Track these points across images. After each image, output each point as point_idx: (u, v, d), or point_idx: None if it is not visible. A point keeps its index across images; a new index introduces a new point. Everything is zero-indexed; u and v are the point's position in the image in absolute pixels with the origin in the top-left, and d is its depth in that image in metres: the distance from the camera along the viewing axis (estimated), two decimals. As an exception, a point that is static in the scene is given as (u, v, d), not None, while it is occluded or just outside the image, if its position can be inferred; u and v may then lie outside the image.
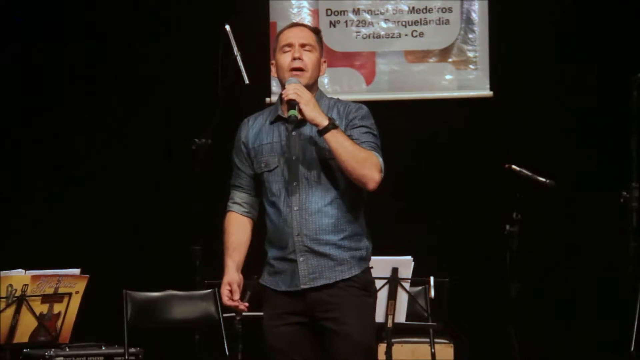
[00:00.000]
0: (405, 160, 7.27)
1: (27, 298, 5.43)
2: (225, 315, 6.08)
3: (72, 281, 5.58)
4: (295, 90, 3.96)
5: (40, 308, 5.49)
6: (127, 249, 7.55)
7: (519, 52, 7.50)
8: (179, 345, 6.75)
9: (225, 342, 6.16)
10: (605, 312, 7.13)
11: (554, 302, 7.40)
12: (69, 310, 5.58)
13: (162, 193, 7.57)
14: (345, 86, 7.69)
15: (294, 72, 4.05)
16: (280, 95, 4.05)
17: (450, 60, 7.71)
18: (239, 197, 4.16)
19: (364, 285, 4.03)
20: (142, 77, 7.65)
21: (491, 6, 7.61)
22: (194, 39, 7.48)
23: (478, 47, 7.66)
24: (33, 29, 7.66)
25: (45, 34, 7.64)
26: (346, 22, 7.77)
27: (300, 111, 3.94)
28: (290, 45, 4.09)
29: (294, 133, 4.05)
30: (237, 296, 4.05)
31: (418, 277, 5.82)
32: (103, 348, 5.90)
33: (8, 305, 5.41)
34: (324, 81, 7.58)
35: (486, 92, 7.63)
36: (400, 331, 6.06)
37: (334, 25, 7.69)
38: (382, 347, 5.77)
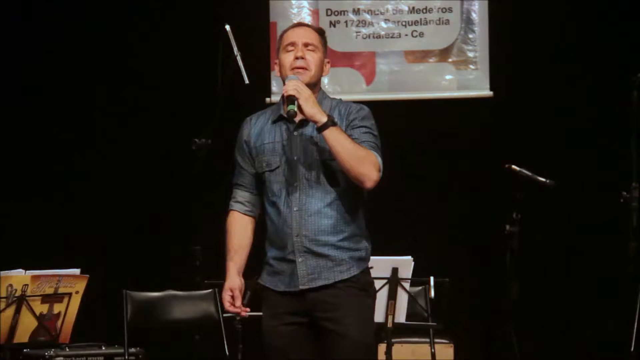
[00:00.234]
0: (405, 160, 7.27)
1: (27, 298, 5.43)
2: (225, 315, 6.08)
3: (72, 281, 5.58)
4: (295, 86, 3.97)
5: (40, 308, 5.50)
6: (127, 249, 7.55)
7: (519, 52, 7.49)
8: (179, 345, 6.76)
9: (225, 342, 6.17)
10: (605, 312, 7.13)
11: (554, 302, 7.40)
12: (69, 310, 5.58)
13: (162, 193, 7.57)
14: (345, 86, 7.69)
15: (296, 70, 4.05)
16: (283, 95, 4.04)
17: (450, 60, 7.71)
18: (241, 196, 4.16)
19: (363, 285, 4.03)
20: (142, 77, 7.65)
21: (491, 6, 7.61)
22: (194, 39, 7.48)
23: (478, 47, 7.66)
24: (33, 29, 7.66)
25: (45, 34, 7.64)
26: (346, 22, 7.77)
27: (299, 107, 3.94)
28: (293, 44, 4.09)
29: (295, 133, 4.05)
30: (238, 302, 4.07)
31: (418, 277, 5.82)
32: (103, 348, 5.90)
33: (8, 305, 5.41)
34: (324, 81, 7.57)
35: (486, 92, 7.63)
36: (400, 331, 6.06)
37: (334, 25, 7.69)
38: (382, 347, 5.77)
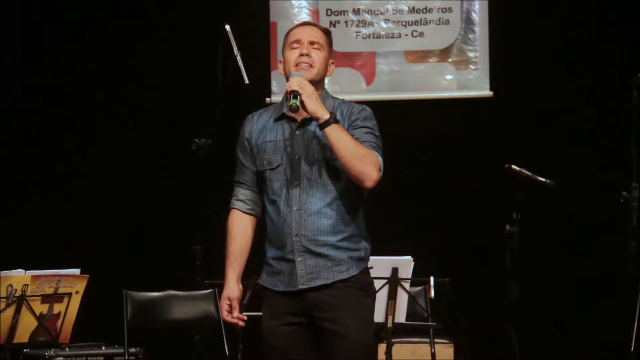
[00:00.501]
0: (405, 160, 7.27)
1: (27, 298, 5.43)
2: (225, 315, 6.07)
3: (72, 281, 5.58)
4: (298, 82, 3.96)
5: (40, 308, 5.49)
6: (127, 249, 7.55)
7: (519, 52, 7.50)
8: (179, 345, 6.76)
9: (225, 342, 6.16)
10: (605, 312, 7.13)
11: (554, 302, 7.40)
12: (69, 310, 5.58)
13: (162, 193, 7.57)
14: (345, 86, 7.69)
15: (300, 67, 4.04)
16: (286, 93, 4.04)
17: (450, 60, 7.71)
18: (243, 194, 4.15)
19: (363, 285, 4.03)
20: (142, 77, 7.65)
21: (491, 6, 7.61)
22: (194, 39, 7.48)
23: (478, 47, 7.66)
24: (33, 29, 7.66)
25: (45, 34, 7.64)
26: (346, 22, 7.77)
27: (302, 103, 3.94)
28: (299, 41, 4.09)
29: (297, 132, 4.05)
30: (236, 313, 4.08)
31: (418, 277, 5.82)
32: (103, 348, 5.90)
33: (8, 305, 5.40)
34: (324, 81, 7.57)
35: (486, 92, 7.63)
36: (400, 331, 6.06)
37: (334, 25, 7.68)
38: (382, 347, 5.77)
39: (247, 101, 6.28)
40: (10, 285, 5.41)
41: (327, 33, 4.18)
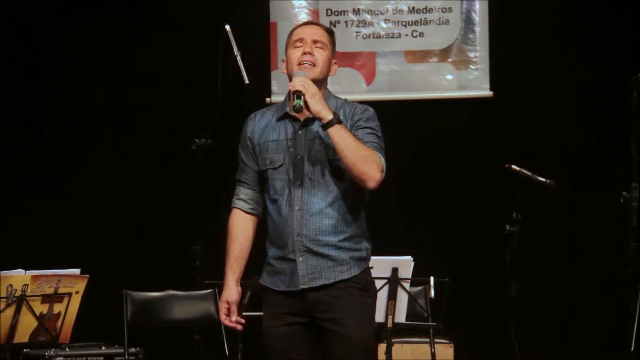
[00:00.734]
0: (405, 160, 7.27)
1: (27, 298, 5.43)
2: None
3: (72, 281, 5.57)
4: (302, 82, 3.96)
5: (40, 308, 5.49)
6: (127, 249, 7.55)
7: (519, 52, 7.49)
8: (179, 345, 6.76)
9: (225, 342, 6.16)
10: (605, 312, 7.13)
11: (554, 301, 7.40)
12: (69, 310, 5.57)
13: (162, 193, 7.57)
14: (345, 86, 7.68)
15: (303, 66, 4.04)
16: (288, 92, 4.03)
17: (450, 60, 7.71)
18: (244, 194, 4.15)
19: (364, 285, 4.03)
20: (142, 76, 7.65)
21: (491, 6, 7.61)
22: (194, 39, 7.48)
23: (478, 47, 7.66)
24: (33, 29, 7.66)
25: (45, 34, 7.64)
26: (346, 22, 7.77)
27: (305, 103, 3.93)
28: (302, 40, 4.09)
29: (300, 132, 4.05)
30: (234, 317, 4.08)
31: (418, 277, 5.82)
32: (103, 348, 5.90)
33: (8, 305, 5.40)
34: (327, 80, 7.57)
35: (486, 92, 7.63)
36: (400, 331, 6.06)
37: (334, 25, 7.68)
38: (382, 347, 5.77)
39: (247, 101, 6.28)
40: (10, 285, 5.41)
41: (330, 33, 4.18)
